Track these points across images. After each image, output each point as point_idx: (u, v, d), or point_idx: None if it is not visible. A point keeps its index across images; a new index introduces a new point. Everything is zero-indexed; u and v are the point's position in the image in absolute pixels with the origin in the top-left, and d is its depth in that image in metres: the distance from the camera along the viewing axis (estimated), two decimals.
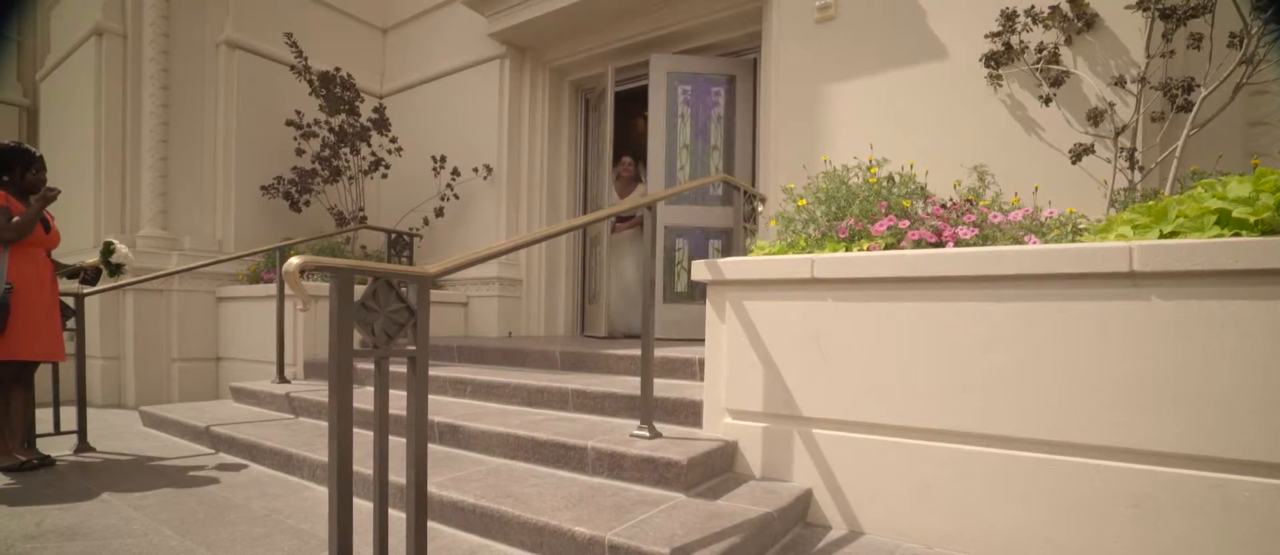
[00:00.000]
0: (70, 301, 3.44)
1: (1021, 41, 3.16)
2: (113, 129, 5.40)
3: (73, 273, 3.41)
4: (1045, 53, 3.09)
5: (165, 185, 5.46)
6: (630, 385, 3.12)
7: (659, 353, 3.21)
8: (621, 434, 2.61)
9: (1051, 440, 1.97)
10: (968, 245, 2.26)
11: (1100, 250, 1.86)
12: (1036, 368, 1.99)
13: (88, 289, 3.54)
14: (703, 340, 4.28)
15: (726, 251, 4.68)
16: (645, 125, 8.08)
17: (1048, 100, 3.08)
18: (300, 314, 4.84)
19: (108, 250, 3.46)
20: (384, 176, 5.98)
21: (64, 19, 6.22)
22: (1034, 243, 2.14)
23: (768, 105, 4.36)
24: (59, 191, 3.10)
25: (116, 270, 3.53)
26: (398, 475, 1.79)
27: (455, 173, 5.73)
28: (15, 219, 2.91)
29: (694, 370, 3.25)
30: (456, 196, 5.86)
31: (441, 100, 6.33)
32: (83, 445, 3.51)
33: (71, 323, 3.45)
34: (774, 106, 4.22)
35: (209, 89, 5.72)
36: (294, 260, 1.32)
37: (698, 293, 4.58)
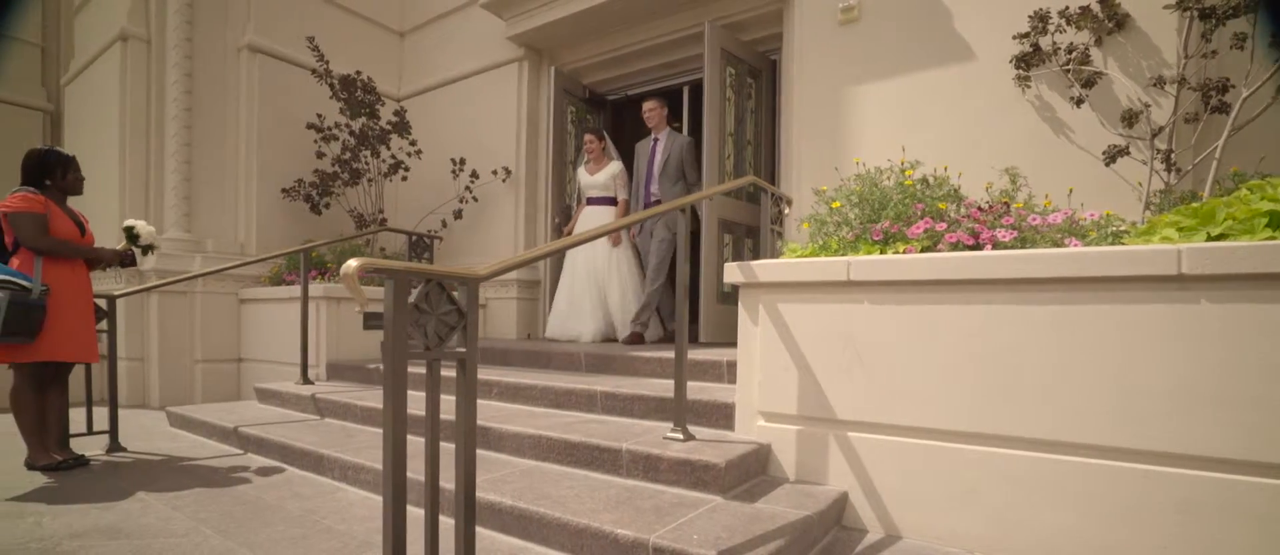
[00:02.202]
0: (103, 303, 3.47)
1: (1053, 42, 3.14)
2: (137, 133, 5.46)
3: (121, 259, 3.35)
4: (1076, 54, 3.07)
5: (189, 188, 5.52)
6: (657, 387, 3.12)
7: (691, 356, 3.20)
8: (654, 436, 2.61)
9: (1097, 444, 1.95)
10: (1006, 248, 2.25)
11: (1148, 253, 1.84)
12: (1081, 371, 1.97)
13: (119, 291, 3.58)
14: (727, 343, 4.34)
15: (756, 250, 4.65)
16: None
17: (1079, 101, 3.06)
18: (324, 316, 4.87)
19: (132, 235, 3.41)
20: (403, 179, 6.02)
21: (88, 24, 6.30)
22: (1075, 245, 2.13)
23: (789, 106, 4.35)
24: (119, 256, 3.28)
25: (147, 250, 3.48)
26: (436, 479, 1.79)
27: (474, 175, 5.76)
28: (54, 240, 2.95)
29: (722, 372, 3.25)
30: (475, 199, 5.88)
31: (459, 103, 6.36)
32: (114, 445, 3.54)
33: (103, 324, 3.48)
34: (796, 108, 4.21)
35: (231, 93, 5.77)
36: (352, 263, 1.32)
37: (728, 295, 4.55)
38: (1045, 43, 3.19)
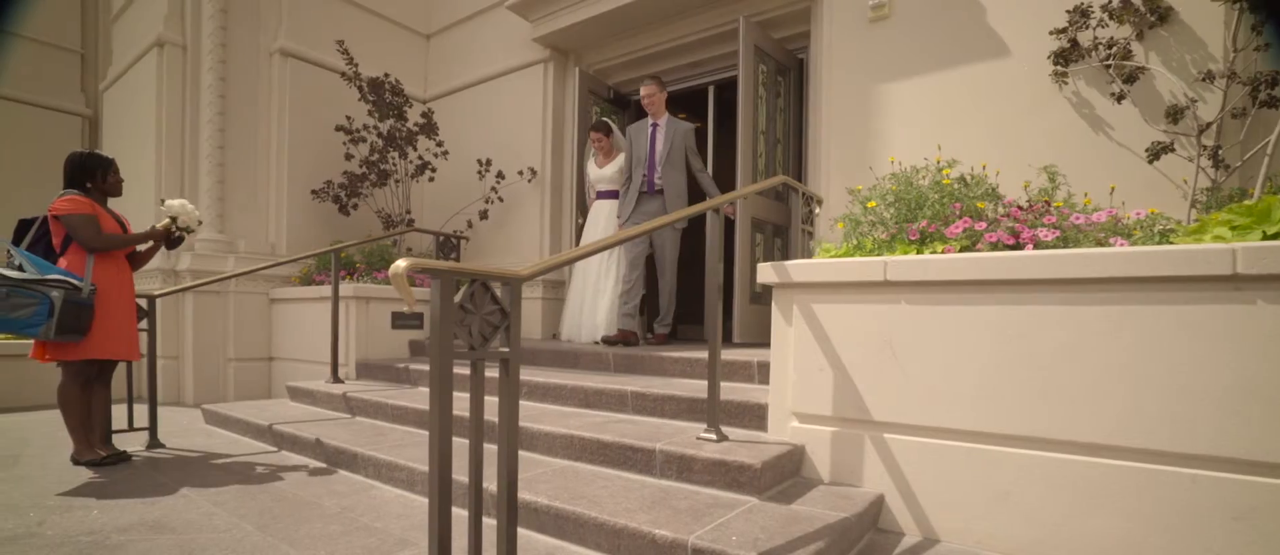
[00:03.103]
0: (143, 303, 3.55)
1: (1095, 37, 3.07)
2: (172, 136, 5.59)
3: (168, 239, 3.37)
4: (1116, 48, 3.00)
5: (222, 190, 5.63)
6: (687, 388, 3.12)
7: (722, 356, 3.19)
8: (686, 437, 2.60)
9: (1145, 448, 1.91)
10: (1049, 247, 2.20)
11: (1200, 252, 1.79)
12: (1128, 373, 1.93)
13: (158, 291, 3.66)
14: (757, 343, 4.31)
15: (785, 249, 4.62)
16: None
17: (1120, 97, 3.00)
18: (353, 316, 4.94)
19: (185, 228, 3.40)
20: (431, 180, 6.08)
21: (126, 31, 6.46)
22: (1121, 245, 2.08)
23: (817, 105, 4.31)
24: (165, 234, 3.30)
25: (187, 230, 3.43)
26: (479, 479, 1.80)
27: (500, 176, 5.80)
28: (107, 235, 3.03)
29: (752, 373, 3.23)
30: (500, 199, 5.92)
31: (484, 104, 6.41)
32: (154, 441, 3.63)
33: (143, 323, 3.56)
34: (825, 107, 4.17)
35: (262, 96, 5.88)
36: (401, 263, 1.34)
37: (768, 293, 4.51)
38: (1084, 38, 3.12)
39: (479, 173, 5.83)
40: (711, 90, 5.48)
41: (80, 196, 3.05)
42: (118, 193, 3.28)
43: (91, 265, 2.97)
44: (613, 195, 5.01)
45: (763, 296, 4.42)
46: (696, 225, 5.32)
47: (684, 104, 7.44)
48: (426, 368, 4.30)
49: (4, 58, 7.51)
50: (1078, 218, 2.22)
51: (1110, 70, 3.03)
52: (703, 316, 7.49)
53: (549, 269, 1.73)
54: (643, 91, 4.67)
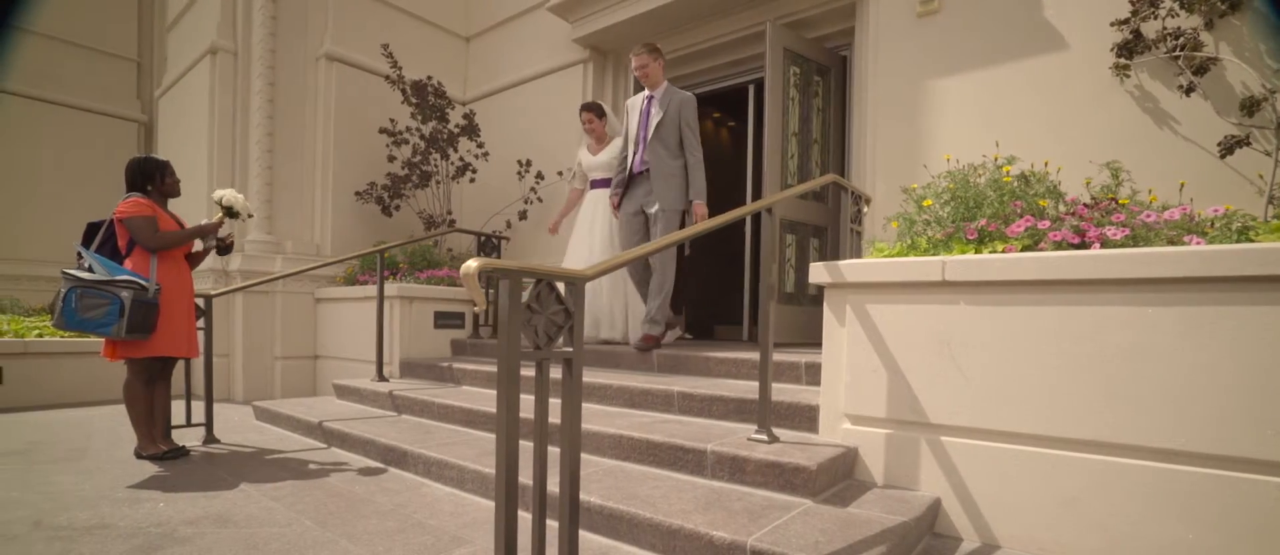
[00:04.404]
0: (201, 302, 3.67)
1: (1163, 27, 2.96)
2: (224, 140, 5.76)
3: (220, 241, 3.47)
4: (1185, 39, 2.88)
5: (270, 192, 5.79)
6: (734, 388, 3.09)
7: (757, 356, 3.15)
8: (736, 438, 2.58)
9: (1224, 455, 1.82)
10: (1117, 246, 2.12)
11: None
12: (1205, 376, 1.84)
13: (214, 292, 3.78)
14: (801, 343, 4.26)
15: (823, 249, 4.56)
16: (714, 127, 8.07)
17: (1189, 90, 2.87)
18: (397, 316, 5.03)
19: (230, 211, 3.44)
20: (471, 181, 6.15)
21: (180, 39, 6.68)
22: (1197, 243, 1.99)
23: (863, 103, 4.24)
24: (218, 227, 3.39)
25: (233, 213, 3.46)
26: (527, 478, 1.81)
27: (540, 176, 5.84)
28: (162, 234, 3.13)
29: (799, 374, 3.19)
30: (540, 199, 5.96)
31: (523, 105, 6.47)
32: (210, 437, 3.74)
33: (200, 322, 3.68)
34: (872, 104, 4.10)
35: (309, 100, 6.03)
36: (472, 263, 1.35)
37: (802, 294, 4.47)
38: (1148, 29, 3.01)
39: (519, 173, 5.88)
40: (751, 90, 5.43)
41: (142, 199, 3.16)
42: (176, 193, 3.38)
43: (155, 266, 3.07)
44: (607, 184, 4.67)
45: (794, 297, 4.40)
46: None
47: (723, 103, 7.41)
48: (469, 367, 4.36)
49: (11, 53, 7.75)
50: (1148, 215, 2.14)
51: (1179, 62, 2.91)
52: (733, 316, 7.45)
53: (610, 269, 1.73)
54: (634, 62, 4.09)
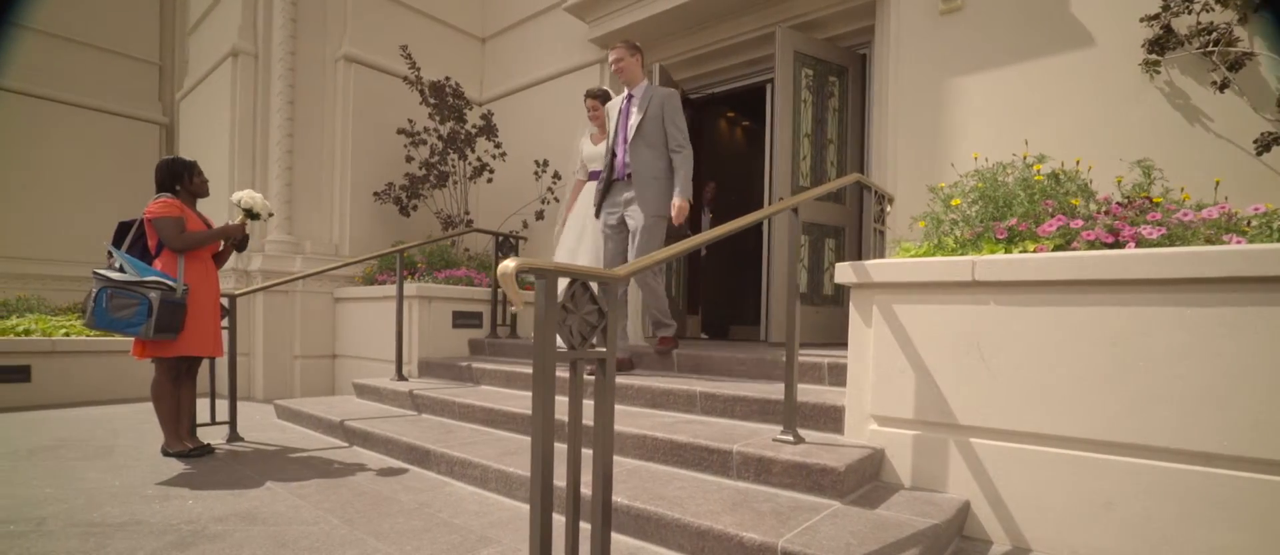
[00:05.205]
0: (225, 302, 3.70)
1: (1197, 21, 2.90)
2: (244, 142, 5.83)
3: (239, 240, 3.49)
4: (1218, 34, 2.83)
5: (290, 193, 5.84)
6: (756, 389, 3.08)
7: (780, 356, 3.14)
8: (761, 438, 2.56)
9: (1267, 458, 1.79)
10: (1153, 245, 2.09)
11: None
12: (1248, 378, 1.81)
13: (240, 290, 3.82)
14: (819, 344, 4.24)
15: (839, 250, 4.54)
16: (728, 126, 8.05)
17: (1223, 86, 2.82)
18: (416, 315, 5.05)
19: (251, 213, 3.44)
20: (489, 181, 6.18)
21: (201, 42, 6.76)
22: (1238, 242, 1.95)
23: (883, 102, 4.21)
24: (241, 229, 3.41)
25: (254, 215, 3.46)
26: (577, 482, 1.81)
27: (556, 176, 5.85)
28: (186, 235, 3.15)
29: (822, 374, 3.17)
30: (557, 199, 5.96)
31: (539, 105, 6.48)
32: (233, 435, 3.78)
33: (225, 321, 3.71)
34: (892, 103, 4.07)
35: (328, 102, 6.08)
36: (510, 263, 1.35)
37: (816, 294, 4.45)
38: (1179, 24, 2.96)
39: (535, 173, 5.89)
40: (769, 89, 5.40)
41: (171, 199, 3.19)
42: (205, 193, 3.42)
43: (183, 266, 3.11)
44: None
45: (807, 297, 4.38)
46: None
47: (741, 103, 7.39)
48: (488, 366, 4.37)
49: (11, 50, 7.83)
50: (1185, 214, 2.10)
51: (1213, 57, 2.86)
52: (746, 316, 7.43)
53: (642, 268, 1.72)
54: (610, 56, 3.87)
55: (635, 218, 3.70)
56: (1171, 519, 1.93)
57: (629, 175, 3.76)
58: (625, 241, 3.89)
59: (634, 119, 3.75)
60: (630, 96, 3.87)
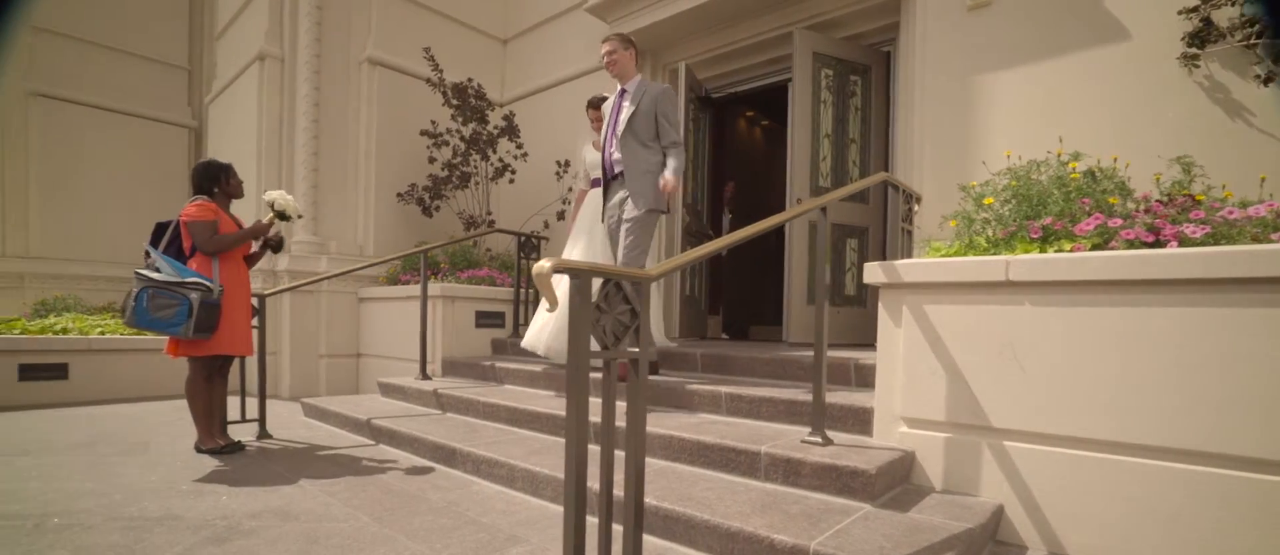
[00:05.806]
0: (255, 302, 3.76)
1: (1240, 14, 2.83)
2: (271, 144, 5.92)
3: (274, 245, 3.55)
4: (1261, 26, 2.75)
5: (316, 194, 5.92)
6: (781, 390, 3.05)
7: (806, 356, 3.11)
8: (789, 440, 2.54)
9: None
10: (1196, 244, 2.04)
11: None
12: None
13: (267, 291, 3.88)
14: (845, 344, 4.20)
15: (862, 250, 4.49)
16: (747, 126, 8.00)
17: (1267, 80, 2.74)
18: (439, 315, 5.09)
19: (281, 214, 3.46)
20: (511, 181, 6.21)
21: (229, 47, 6.89)
22: None
23: (909, 100, 4.15)
24: (268, 228, 3.44)
25: (284, 216, 3.48)
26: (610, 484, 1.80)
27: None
28: (217, 237, 3.20)
29: (849, 375, 3.13)
30: None
31: (560, 106, 6.49)
32: (263, 432, 3.84)
33: (255, 320, 3.78)
34: (919, 101, 4.01)
35: (352, 104, 6.16)
36: (545, 263, 1.35)
37: (840, 295, 4.41)
38: (1219, 16, 2.88)
39: (557, 174, 5.91)
40: (790, 87, 5.36)
41: (206, 201, 3.25)
42: (239, 194, 3.47)
43: (217, 267, 3.16)
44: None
45: (829, 297, 4.27)
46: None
47: (763, 102, 7.34)
48: (511, 366, 4.39)
49: (10, 47, 8.05)
50: (1230, 211, 2.04)
51: (1256, 50, 2.78)
52: (766, 317, 7.38)
53: (674, 269, 1.72)
54: (603, 48, 3.74)
55: (629, 212, 3.59)
56: (1214, 524, 1.88)
57: (620, 172, 3.66)
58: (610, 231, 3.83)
59: (625, 113, 3.63)
60: (623, 91, 3.74)
